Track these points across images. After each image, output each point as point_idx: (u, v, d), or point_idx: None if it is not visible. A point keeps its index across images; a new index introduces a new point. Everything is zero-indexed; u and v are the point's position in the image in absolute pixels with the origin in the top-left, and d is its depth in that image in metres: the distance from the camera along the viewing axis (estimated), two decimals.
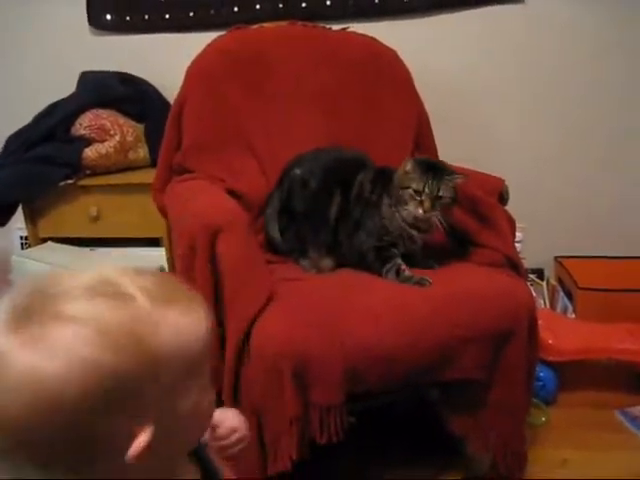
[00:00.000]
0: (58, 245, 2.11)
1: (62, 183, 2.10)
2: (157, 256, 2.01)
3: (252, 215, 1.68)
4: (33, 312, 0.51)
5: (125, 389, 0.51)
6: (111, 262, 1.95)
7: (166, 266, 1.91)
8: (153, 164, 2.11)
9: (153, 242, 2.12)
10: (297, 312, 1.33)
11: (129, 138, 2.14)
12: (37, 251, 2.11)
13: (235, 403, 1.35)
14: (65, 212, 2.17)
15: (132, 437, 0.52)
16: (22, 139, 2.16)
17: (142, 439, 0.52)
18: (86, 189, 2.13)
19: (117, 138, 2.11)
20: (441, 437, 1.61)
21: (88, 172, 2.13)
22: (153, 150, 2.15)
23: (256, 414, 1.32)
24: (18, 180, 2.10)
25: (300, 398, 1.27)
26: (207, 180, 1.68)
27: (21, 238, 2.45)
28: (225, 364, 1.32)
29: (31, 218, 2.21)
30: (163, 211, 1.73)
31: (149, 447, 0.53)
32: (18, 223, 2.31)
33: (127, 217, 2.11)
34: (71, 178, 2.11)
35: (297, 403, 1.27)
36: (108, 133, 2.10)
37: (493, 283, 1.48)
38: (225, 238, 1.34)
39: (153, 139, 2.16)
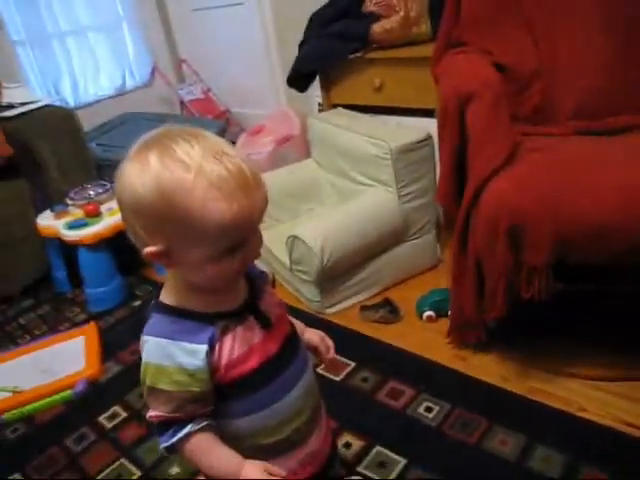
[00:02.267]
0: (344, 111, 2.39)
1: (352, 56, 2.36)
2: (427, 125, 2.16)
3: (515, 87, 1.73)
4: (148, 146, 0.75)
5: (148, 214, 0.75)
6: (381, 128, 2.16)
7: (434, 134, 2.06)
8: (435, 38, 2.21)
9: (428, 113, 2.26)
10: (525, 180, 1.44)
11: (412, 14, 2.28)
12: (327, 115, 2.41)
13: (462, 250, 1.56)
14: (353, 82, 2.43)
15: (147, 244, 0.77)
16: (322, 16, 2.45)
17: (151, 248, 0.77)
18: (372, 62, 2.35)
19: (401, 14, 2.26)
20: None
21: (375, 46, 2.34)
22: (435, 25, 2.22)
23: (477, 263, 1.51)
24: (316, 53, 2.42)
25: (511, 255, 1.41)
26: (477, 53, 1.76)
27: (319, 104, 2.83)
28: (459, 212, 1.53)
29: (325, 86, 2.53)
30: (437, 81, 1.86)
31: (159, 255, 0.77)
32: (317, 91, 2.67)
33: (406, 88, 2.28)
34: (360, 51, 2.35)
35: (508, 259, 1.42)
36: (394, 9, 2.27)
37: None
38: (474, 105, 1.47)
39: (436, 14, 2.21)
